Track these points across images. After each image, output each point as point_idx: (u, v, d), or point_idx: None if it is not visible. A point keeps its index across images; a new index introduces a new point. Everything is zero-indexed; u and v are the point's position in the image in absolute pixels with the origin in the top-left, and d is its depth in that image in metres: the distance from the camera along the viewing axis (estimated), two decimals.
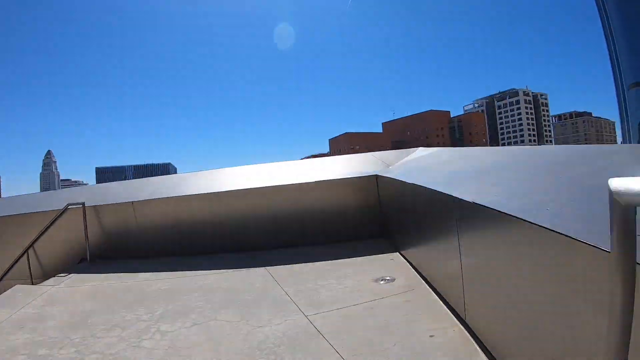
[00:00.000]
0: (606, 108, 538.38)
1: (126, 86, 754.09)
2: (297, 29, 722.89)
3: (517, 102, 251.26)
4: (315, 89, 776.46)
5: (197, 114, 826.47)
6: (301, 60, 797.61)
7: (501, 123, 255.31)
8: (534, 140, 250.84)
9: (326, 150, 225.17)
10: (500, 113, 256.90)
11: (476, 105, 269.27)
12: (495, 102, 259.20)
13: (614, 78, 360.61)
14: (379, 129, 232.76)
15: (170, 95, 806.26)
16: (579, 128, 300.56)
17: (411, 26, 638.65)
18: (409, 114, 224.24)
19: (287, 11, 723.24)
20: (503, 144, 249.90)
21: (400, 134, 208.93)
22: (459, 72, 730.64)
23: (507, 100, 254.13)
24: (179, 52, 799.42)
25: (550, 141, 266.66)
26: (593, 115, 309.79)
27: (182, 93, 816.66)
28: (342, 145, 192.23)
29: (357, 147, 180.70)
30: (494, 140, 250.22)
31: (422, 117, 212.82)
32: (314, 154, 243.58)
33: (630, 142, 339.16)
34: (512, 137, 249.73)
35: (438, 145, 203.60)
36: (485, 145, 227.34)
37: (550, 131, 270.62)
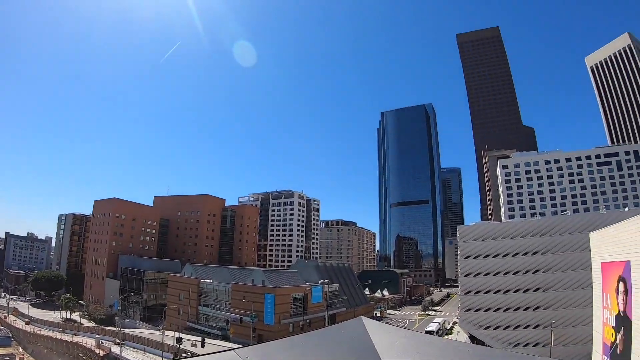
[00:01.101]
0: (369, 221, 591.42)
1: None
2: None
3: (292, 202, 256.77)
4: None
5: None
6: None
7: (273, 220, 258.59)
8: (302, 238, 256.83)
9: (89, 211, 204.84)
10: (274, 210, 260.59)
11: (251, 198, 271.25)
12: (271, 199, 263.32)
13: (379, 197, 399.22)
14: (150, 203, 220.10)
15: None
16: (343, 235, 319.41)
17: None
18: (185, 193, 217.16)
19: None
20: (271, 241, 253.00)
21: (171, 212, 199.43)
22: (238, 166, 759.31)
23: (283, 200, 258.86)
24: None
25: (316, 242, 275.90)
26: (357, 225, 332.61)
27: None
28: (107, 210, 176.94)
29: (123, 216, 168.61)
30: (263, 236, 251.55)
31: (197, 199, 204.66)
32: (74, 212, 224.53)
33: (386, 252, 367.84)
34: (280, 235, 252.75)
35: (208, 231, 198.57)
36: (254, 239, 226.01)
37: (317, 234, 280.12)
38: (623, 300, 35.22)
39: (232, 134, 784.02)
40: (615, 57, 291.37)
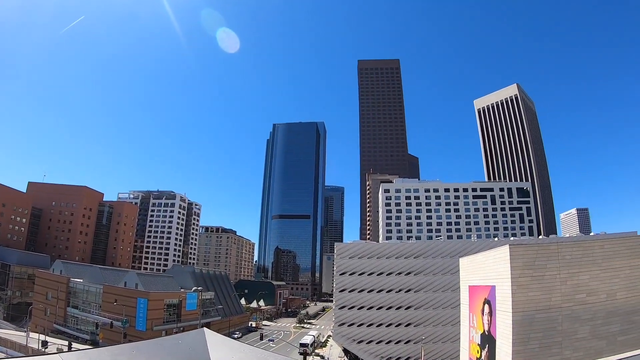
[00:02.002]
0: (250, 231, 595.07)
1: None
2: None
3: (173, 204, 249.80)
4: None
5: None
6: None
7: (151, 221, 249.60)
8: (180, 242, 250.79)
9: None
10: (153, 211, 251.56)
11: (132, 196, 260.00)
12: (152, 198, 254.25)
13: (262, 207, 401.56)
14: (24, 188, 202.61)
15: None
16: (223, 242, 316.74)
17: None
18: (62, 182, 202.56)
19: None
20: (148, 243, 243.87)
21: (46, 201, 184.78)
22: (121, 161, 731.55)
23: (164, 201, 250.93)
24: None
25: (195, 248, 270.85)
26: (237, 234, 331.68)
27: None
28: None
29: None
30: (140, 236, 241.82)
31: (74, 190, 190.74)
32: None
33: (264, 263, 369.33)
34: (158, 237, 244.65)
35: (82, 226, 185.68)
36: (131, 239, 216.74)
37: (196, 239, 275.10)
38: (488, 320, 39.11)
39: (120, 127, 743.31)
40: (502, 103, 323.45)
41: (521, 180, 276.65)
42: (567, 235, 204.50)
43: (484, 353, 39.63)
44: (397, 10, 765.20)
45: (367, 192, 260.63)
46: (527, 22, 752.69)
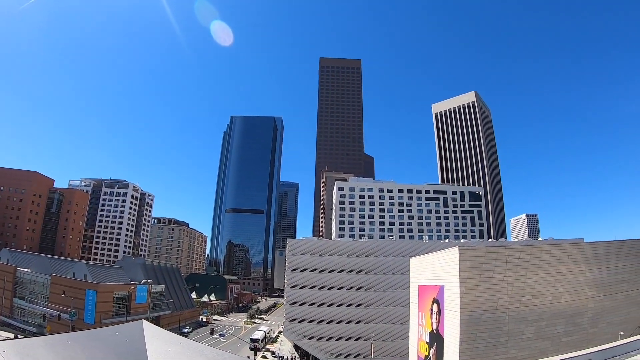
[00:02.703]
0: (203, 224, 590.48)
1: None
2: None
3: (125, 194, 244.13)
4: None
5: None
6: None
7: (102, 210, 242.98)
8: (132, 233, 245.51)
9: None
10: (105, 200, 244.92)
11: (83, 183, 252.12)
12: (104, 187, 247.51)
13: (215, 200, 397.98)
14: None
15: None
16: (175, 234, 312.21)
17: None
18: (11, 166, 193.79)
19: None
20: (99, 232, 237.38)
21: None
22: (74, 145, 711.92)
23: (116, 190, 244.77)
24: None
25: (146, 239, 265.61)
26: (189, 226, 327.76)
27: None
28: None
29: None
30: (90, 225, 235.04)
31: (23, 175, 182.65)
32: None
33: (216, 257, 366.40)
34: (109, 227, 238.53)
35: (31, 214, 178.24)
36: (81, 229, 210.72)
37: (148, 231, 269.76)
38: (436, 319, 39.86)
39: (75, 111, 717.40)
40: (460, 109, 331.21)
41: (474, 184, 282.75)
42: (516, 240, 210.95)
43: (432, 351, 40.36)
44: (362, 11, 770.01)
45: (322, 189, 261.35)
46: (490, 32, 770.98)
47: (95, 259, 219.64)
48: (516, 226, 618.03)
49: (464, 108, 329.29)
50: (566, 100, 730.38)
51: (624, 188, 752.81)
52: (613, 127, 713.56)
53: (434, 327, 40.15)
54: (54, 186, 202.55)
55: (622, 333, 38.31)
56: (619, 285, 40.69)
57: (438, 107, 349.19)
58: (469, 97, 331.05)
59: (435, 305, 40.70)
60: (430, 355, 40.51)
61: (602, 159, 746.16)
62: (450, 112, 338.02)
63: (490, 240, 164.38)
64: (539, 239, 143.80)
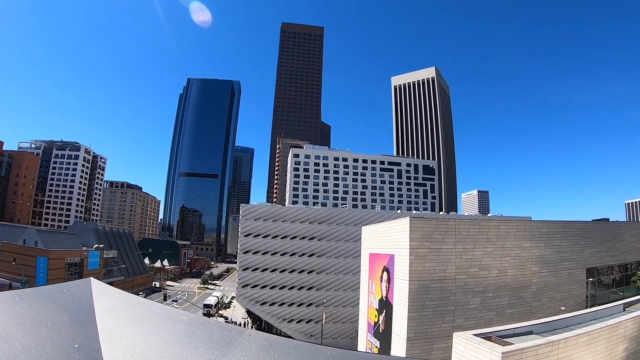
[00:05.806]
0: (156, 188, 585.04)
1: None
2: None
3: (77, 157, 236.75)
4: None
5: None
6: None
7: (53, 173, 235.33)
8: (83, 197, 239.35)
9: None
10: (55, 163, 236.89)
11: (33, 146, 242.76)
12: (55, 149, 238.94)
13: (169, 164, 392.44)
14: None
15: None
16: (127, 199, 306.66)
17: None
18: None
19: None
20: (49, 197, 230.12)
21: None
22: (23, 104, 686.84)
23: (67, 152, 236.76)
24: None
25: (98, 204, 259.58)
26: (142, 190, 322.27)
27: None
28: None
29: None
30: (40, 189, 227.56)
31: None
32: None
33: (170, 222, 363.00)
34: (60, 191, 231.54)
35: None
36: (31, 193, 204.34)
37: (100, 195, 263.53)
38: (386, 287, 40.83)
39: (25, 70, 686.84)
40: (418, 83, 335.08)
41: (428, 158, 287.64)
42: (467, 214, 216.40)
43: (381, 318, 41.43)
44: None
45: (277, 155, 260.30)
46: (457, 8, 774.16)
47: (46, 225, 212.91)
48: (467, 201, 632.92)
49: (423, 83, 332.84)
50: (524, 85, 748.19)
51: (576, 171, 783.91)
52: (568, 111, 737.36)
53: (384, 294, 41.13)
54: (3, 149, 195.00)
55: (563, 308, 40.39)
56: (563, 263, 42.71)
57: (398, 80, 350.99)
58: (429, 73, 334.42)
59: (385, 274, 41.61)
60: (380, 321, 41.64)
61: (558, 144, 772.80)
62: (409, 86, 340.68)
63: (441, 213, 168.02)
64: (488, 215, 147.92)
